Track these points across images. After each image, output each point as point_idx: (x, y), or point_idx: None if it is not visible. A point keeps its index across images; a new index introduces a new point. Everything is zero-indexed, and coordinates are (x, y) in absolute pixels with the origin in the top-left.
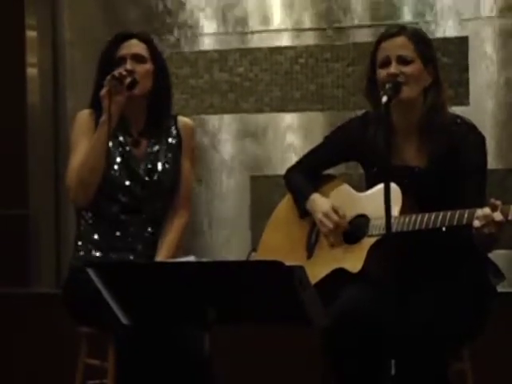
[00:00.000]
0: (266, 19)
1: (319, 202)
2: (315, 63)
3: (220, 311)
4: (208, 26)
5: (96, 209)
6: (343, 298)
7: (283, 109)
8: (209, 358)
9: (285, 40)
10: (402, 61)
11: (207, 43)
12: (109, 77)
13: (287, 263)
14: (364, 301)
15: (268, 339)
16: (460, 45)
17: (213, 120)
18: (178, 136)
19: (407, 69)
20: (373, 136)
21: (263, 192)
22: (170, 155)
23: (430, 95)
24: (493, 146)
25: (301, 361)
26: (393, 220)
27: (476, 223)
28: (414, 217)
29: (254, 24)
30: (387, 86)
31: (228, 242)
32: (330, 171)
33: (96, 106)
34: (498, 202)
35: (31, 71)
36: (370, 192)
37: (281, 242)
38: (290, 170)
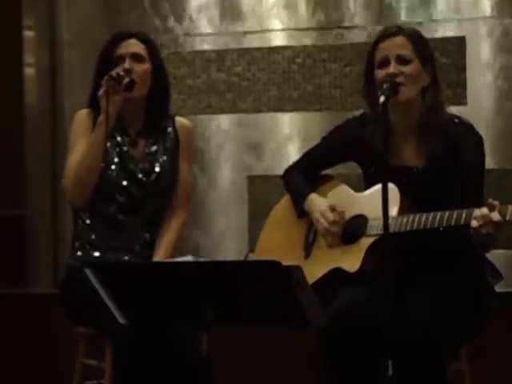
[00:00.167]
0: (263, 19)
1: (317, 202)
2: (313, 63)
3: (218, 311)
4: (205, 25)
5: (93, 209)
6: (341, 298)
7: (281, 109)
8: (207, 358)
9: (282, 40)
10: (401, 60)
11: (205, 43)
12: (106, 77)
13: (285, 263)
14: (362, 301)
15: (266, 339)
16: (458, 45)
17: (210, 120)
18: (176, 136)
19: (406, 68)
20: (370, 136)
21: (260, 192)
22: (167, 156)
23: (428, 95)
24: (490, 145)
25: (299, 361)
26: (391, 220)
27: (474, 223)
28: (411, 217)
29: (251, 24)
30: (385, 85)
31: (226, 242)
32: (328, 171)
33: (94, 105)
34: (496, 202)
35: (29, 71)
36: (368, 192)
37: (278, 242)
38: (288, 170)
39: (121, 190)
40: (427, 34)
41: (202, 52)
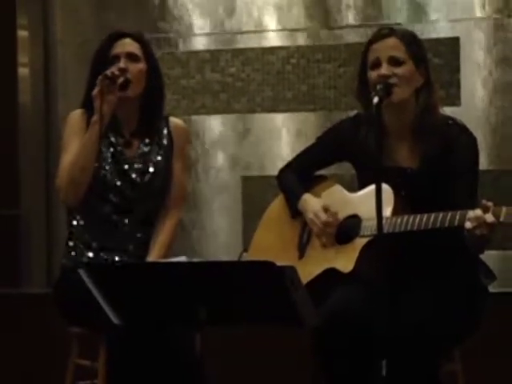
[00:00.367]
0: (257, 19)
1: (311, 202)
2: (307, 64)
3: (211, 311)
4: (199, 26)
5: (87, 209)
6: (334, 298)
7: (275, 109)
8: (200, 358)
9: (276, 40)
10: (394, 62)
11: (199, 43)
12: (101, 76)
13: (278, 263)
14: (355, 301)
15: (259, 339)
16: (451, 46)
17: (204, 120)
18: (170, 137)
19: (399, 70)
20: (364, 137)
21: (255, 192)
22: (161, 156)
23: (421, 96)
24: (484, 146)
25: (291, 361)
26: (385, 221)
27: (468, 225)
28: (405, 218)
29: (245, 24)
30: (378, 86)
31: (219, 242)
32: (322, 172)
33: (88, 105)
34: (490, 204)
35: (22, 71)
36: (362, 193)
37: (272, 242)
38: (283, 170)
39: (114, 191)
40: (421, 35)
41: (196, 52)
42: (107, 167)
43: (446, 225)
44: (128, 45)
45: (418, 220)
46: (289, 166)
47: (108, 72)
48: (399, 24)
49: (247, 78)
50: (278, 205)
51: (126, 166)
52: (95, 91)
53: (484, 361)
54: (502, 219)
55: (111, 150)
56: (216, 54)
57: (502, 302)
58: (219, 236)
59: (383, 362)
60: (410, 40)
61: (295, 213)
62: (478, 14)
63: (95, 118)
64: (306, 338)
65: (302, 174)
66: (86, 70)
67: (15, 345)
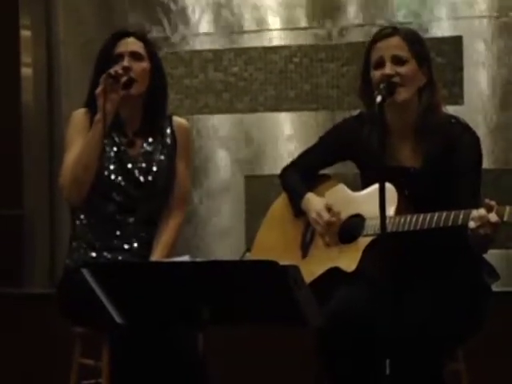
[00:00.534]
0: (260, 19)
1: (314, 202)
2: (310, 63)
3: (214, 311)
4: (202, 25)
5: (91, 208)
6: (337, 298)
7: (278, 108)
8: (203, 357)
9: (279, 39)
10: (397, 61)
11: (202, 43)
12: (105, 75)
13: (282, 263)
14: (359, 301)
15: (262, 339)
16: (454, 44)
17: (207, 119)
18: (173, 136)
19: (402, 69)
20: (367, 136)
21: (258, 191)
22: (164, 155)
23: (424, 95)
24: (487, 145)
25: (294, 361)
26: (388, 220)
27: (471, 224)
28: (409, 217)
29: (248, 23)
30: (381, 85)
31: (222, 242)
32: (326, 171)
33: (92, 104)
34: (493, 203)
35: (26, 71)
36: (365, 192)
37: (275, 242)
38: (286, 169)
39: (118, 190)
40: (424, 34)
41: (199, 52)
42: (111, 166)
43: (450, 224)
44: (132, 44)
45: (421, 219)
46: (292, 165)
47: (111, 71)
48: (402, 23)
49: (250, 78)
50: (281, 204)
51: (130, 165)
52: (99, 90)
53: (487, 360)
54: (505, 218)
55: (114, 149)
56: (219, 54)
57: (505, 301)
58: (222, 235)
59: (387, 362)
60: (413, 39)
61: (298, 212)
62: (481, 12)
63: (98, 116)
64: (309, 337)
65: (305, 173)
66: (88, 70)
67: (18, 345)
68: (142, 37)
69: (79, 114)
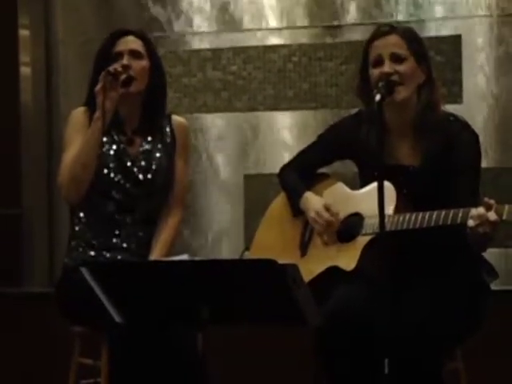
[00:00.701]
0: (259, 17)
1: (312, 201)
2: (308, 62)
3: (213, 310)
4: (201, 24)
5: (90, 207)
6: (336, 297)
7: (276, 107)
8: (202, 357)
9: (278, 38)
10: (396, 59)
11: (200, 42)
12: (104, 72)
13: (280, 262)
14: (357, 300)
15: (260, 339)
16: (453, 43)
17: (206, 118)
18: (172, 135)
19: (401, 67)
20: (366, 135)
21: (256, 190)
22: (163, 154)
23: (423, 93)
24: (486, 144)
25: (293, 360)
26: (387, 219)
27: (470, 223)
28: (407, 216)
29: (247, 22)
30: (380, 84)
31: (221, 241)
32: (324, 169)
33: (91, 103)
34: (492, 202)
35: (24, 70)
36: (364, 190)
37: (274, 241)
38: (284, 168)
39: (117, 188)
40: (423, 33)
41: (198, 51)
42: (110, 164)
43: (449, 223)
44: (131, 42)
45: (420, 218)
46: (290, 164)
47: (111, 68)
48: (401, 22)
49: (249, 76)
50: (279, 203)
51: (129, 164)
52: (98, 87)
53: (486, 359)
54: (504, 217)
55: (114, 147)
56: (217, 53)
57: (504, 300)
58: (221, 234)
59: (385, 361)
60: (410, 37)
61: (297, 211)
62: (480, 11)
63: (98, 113)
64: (307, 337)
65: (304, 172)
66: (87, 69)
67: (17, 344)
68: (141, 35)
69: (78, 113)
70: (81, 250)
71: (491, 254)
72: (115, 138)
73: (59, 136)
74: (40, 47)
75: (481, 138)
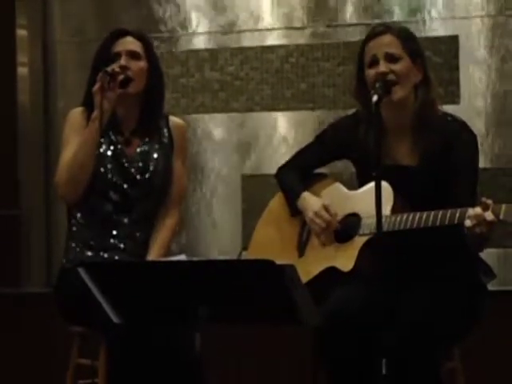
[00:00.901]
0: (256, 18)
1: (310, 201)
2: (306, 62)
3: (211, 310)
4: (199, 25)
5: (87, 208)
6: (334, 298)
7: (274, 108)
8: (200, 357)
9: (275, 39)
10: (391, 58)
11: (198, 42)
12: (101, 73)
13: (278, 262)
14: (355, 300)
15: (259, 338)
16: (450, 44)
17: (203, 119)
18: (170, 136)
19: (396, 66)
20: (363, 135)
21: (254, 191)
22: (161, 154)
23: (420, 92)
24: (483, 144)
25: (291, 360)
26: (384, 219)
27: (467, 223)
28: (405, 216)
29: (244, 23)
30: (377, 84)
31: (219, 241)
32: (322, 170)
33: (88, 103)
34: (490, 202)
35: (22, 70)
36: (361, 190)
37: (272, 240)
38: (282, 168)
39: (115, 188)
40: (420, 33)
41: (196, 51)
42: (108, 165)
43: (446, 223)
44: (129, 43)
45: (417, 218)
46: (288, 164)
47: (109, 68)
48: (398, 22)
49: (246, 77)
50: (277, 203)
51: (127, 164)
52: (95, 87)
53: (484, 359)
54: (501, 217)
55: (111, 148)
56: (215, 53)
57: (501, 299)
58: (219, 234)
59: (383, 361)
60: (405, 36)
61: (295, 211)
62: (477, 12)
63: (95, 113)
64: (306, 337)
65: (302, 172)
66: (85, 70)
67: (15, 344)
68: (139, 36)
69: (76, 113)
70: (78, 250)
71: (488, 255)
72: (113, 138)
73: (57, 136)
74: (37, 47)
75: (478, 138)
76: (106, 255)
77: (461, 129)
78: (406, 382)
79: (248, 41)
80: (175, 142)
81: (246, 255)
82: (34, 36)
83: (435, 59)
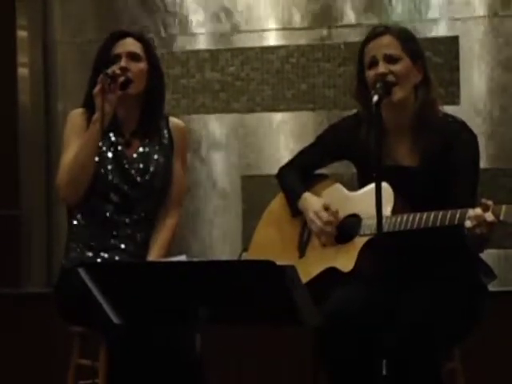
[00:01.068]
0: (257, 18)
1: (311, 201)
2: (306, 63)
3: (211, 311)
4: (199, 25)
5: (88, 209)
6: (334, 298)
7: (274, 108)
8: (200, 357)
9: (276, 39)
10: (390, 59)
11: (198, 43)
12: (102, 74)
13: (279, 263)
14: (355, 300)
15: (259, 339)
16: (451, 44)
17: (204, 119)
18: (170, 137)
19: (396, 67)
20: (364, 136)
21: (255, 191)
22: (161, 156)
23: (420, 92)
24: (484, 145)
25: (292, 361)
26: (384, 220)
27: (468, 223)
28: (405, 216)
29: (245, 23)
30: (378, 85)
31: (219, 242)
32: (323, 170)
33: (89, 104)
34: (490, 202)
35: (22, 71)
36: (362, 191)
37: (273, 241)
38: (282, 168)
39: (115, 190)
40: (420, 34)
41: (196, 52)
42: (108, 167)
43: (446, 223)
44: (130, 44)
45: (417, 219)
46: (289, 164)
47: (109, 70)
48: (398, 23)
49: (247, 78)
50: (278, 203)
51: (127, 166)
52: (96, 89)
53: (484, 360)
54: (501, 218)
55: (112, 149)
56: (216, 54)
57: (501, 300)
58: (219, 235)
59: (384, 362)
60: (405, 37)
61: (295, 212)
62: (477, 12)
63: (96, 116)
64: (306, 337)
65: (302, 172)
66: (85, 71)
67: (16, 345)
68: (140, 37)
69: (76, 115)
70: (78, 250)
71: (489, 255)
72: (113, 140)
73: (57, 137)
74: (38, 48)
75: (478, 139)
76: (106, 256)
77: (461, 129)
78: (406, 382)
79: (248, 41)
80: (175, 143)
81: (246, 256)
82: (34, 37)
83: (435, 60)
